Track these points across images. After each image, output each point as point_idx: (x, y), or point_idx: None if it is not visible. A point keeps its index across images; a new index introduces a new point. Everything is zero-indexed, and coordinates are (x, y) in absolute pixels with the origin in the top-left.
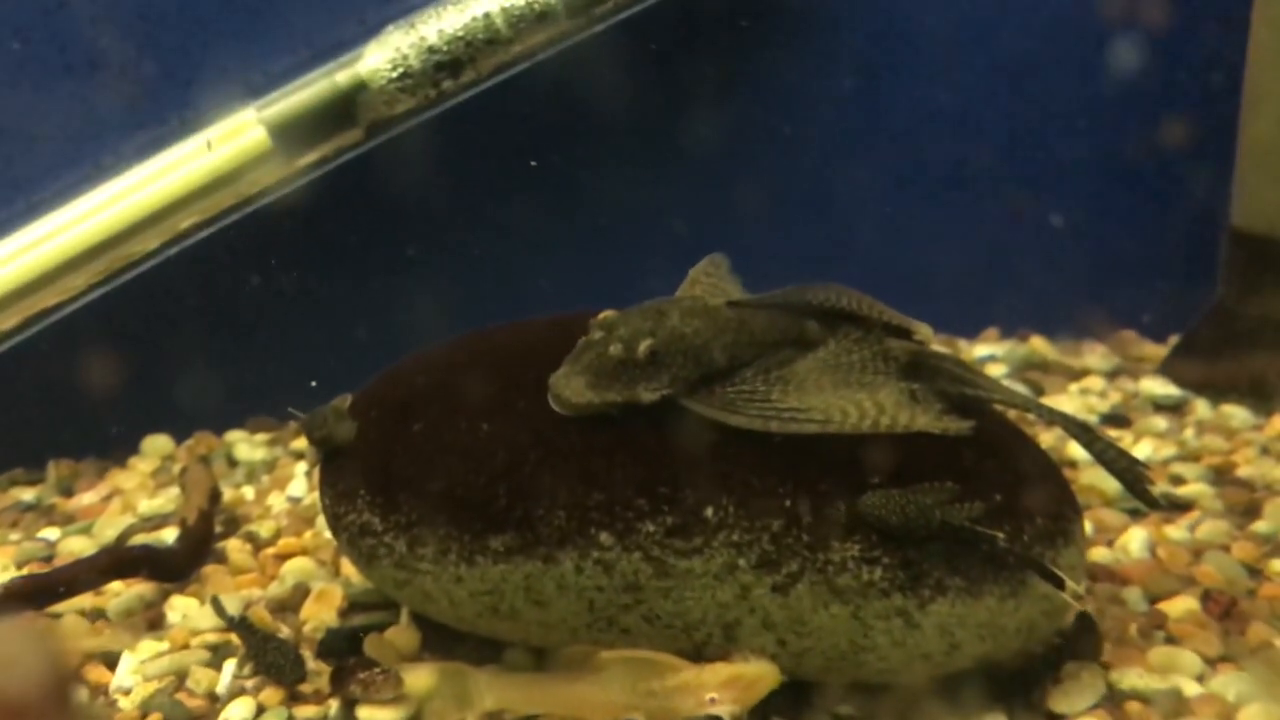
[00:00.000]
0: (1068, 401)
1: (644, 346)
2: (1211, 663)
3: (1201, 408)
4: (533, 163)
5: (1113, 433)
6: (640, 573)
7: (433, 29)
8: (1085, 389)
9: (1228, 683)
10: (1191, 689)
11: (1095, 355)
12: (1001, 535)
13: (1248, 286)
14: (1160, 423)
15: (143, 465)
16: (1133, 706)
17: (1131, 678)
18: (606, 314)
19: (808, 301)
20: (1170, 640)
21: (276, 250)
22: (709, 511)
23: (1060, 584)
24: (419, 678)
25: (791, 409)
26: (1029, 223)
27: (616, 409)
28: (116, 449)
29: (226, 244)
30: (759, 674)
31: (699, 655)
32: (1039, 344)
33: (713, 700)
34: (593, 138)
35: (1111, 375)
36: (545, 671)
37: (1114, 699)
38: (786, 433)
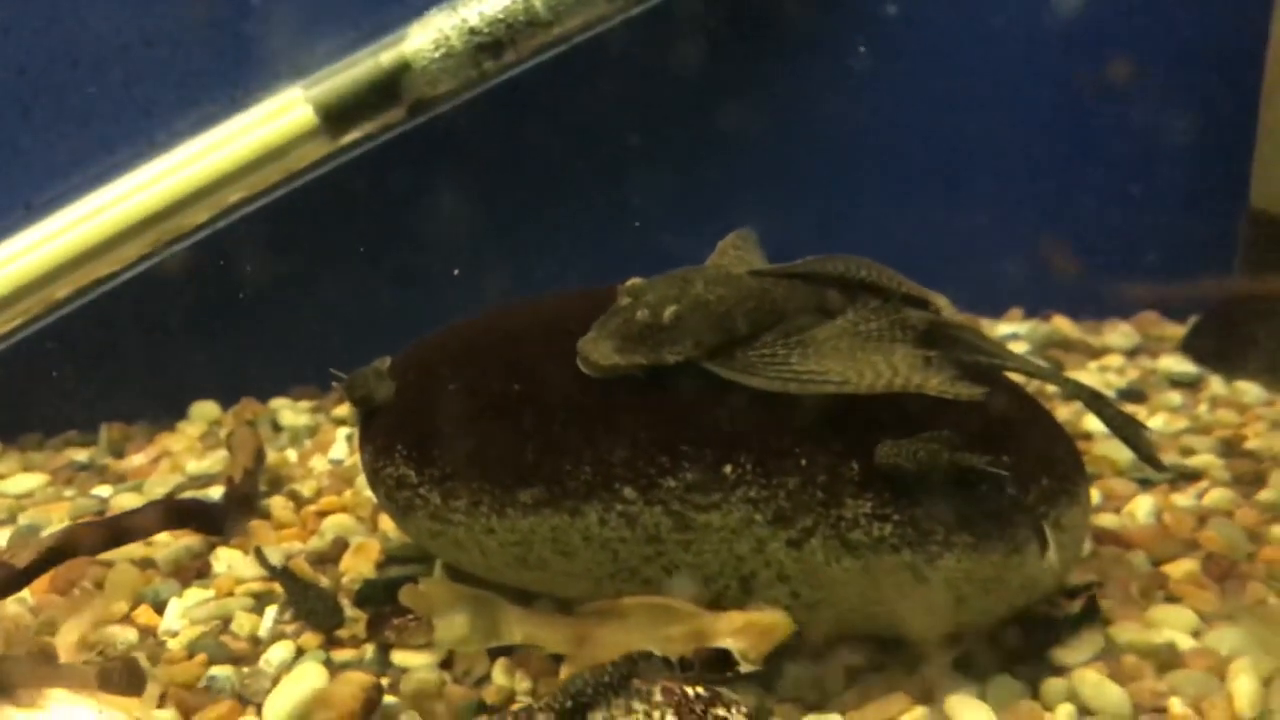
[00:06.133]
0: (1086, 377)
1: (669, 312)
2: (1208, 620)
3: (1216, 384)
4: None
5: (1128, 407)
6: (661, 526)
7: (474, 11)
8: (1104, 366)
9: (1221, 637)
10: (1186, 643)
11: (1116, 334)
12: (1007, 473)
13: (1265, 266)
14: (1175, 398)
15: (191, 429)
16: (1129, 659)
17: (1129, 632)
18: (634, 281)
19: (828, 271)
20: (1170, 599)
21: (320, 221)
22: (728, 469)
23: (1045, 546)
24: (450, 625)
25: (810, 372)
26: (1054, 206)
27: (642, 371)
28: (166, 414)
29: (272, 217)
30: (773, 623)
31: (717, 605)
32: (1061, 323)
33: (727, 646)
34: (627, 112)
35: (1131, 353)
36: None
37: (1112, 652)
38: (804, 394)
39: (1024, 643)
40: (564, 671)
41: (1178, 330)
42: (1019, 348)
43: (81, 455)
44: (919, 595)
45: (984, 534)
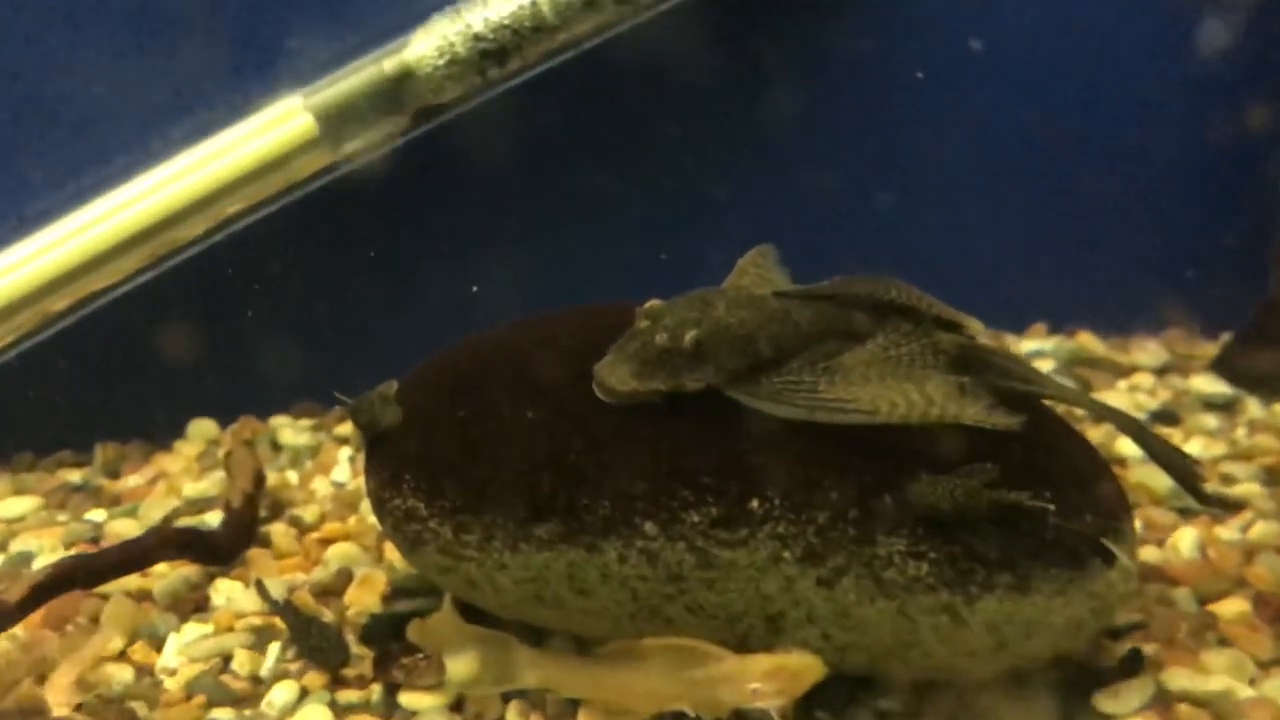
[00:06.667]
0: (1116, 398)
1: (689, 336)
2: (1264, 666)
3: (1253, 406)
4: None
5: (1162, 431)
6: (684, 563)
7: (479, 16)
8: (1134, 386)
9: None
10: (1243, 692)
11: (1144, 352)
12: (1052, 507)
13: None
14: (1210, 421)
15: (188, 449)
16: (1183, 709)
17: (1182, 679)
18: (653, 303)
19: (855, 293)
20: (1222, 642)
21: (323, 237)
22: (754, 503)
23: (1111, 558)
24: (461, 664)
25: (838, 400)
26: (1081, 217)
27: (661, 398)
28: (162, 433)
29: (273, 229)
30: (803, 666)
31: (742, 646)
32: (1087, 339)
33: (756, 691)
34: (641, 125)
35: (1161, 372)
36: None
37: (1164, 700)
38: (833, 424)
39: (1068, 689)
40: (582, 717)
41: (1208, 348)
42: (1044, 365)
43: (75, 476)
44: (958, 638)
45: (1026, 574)
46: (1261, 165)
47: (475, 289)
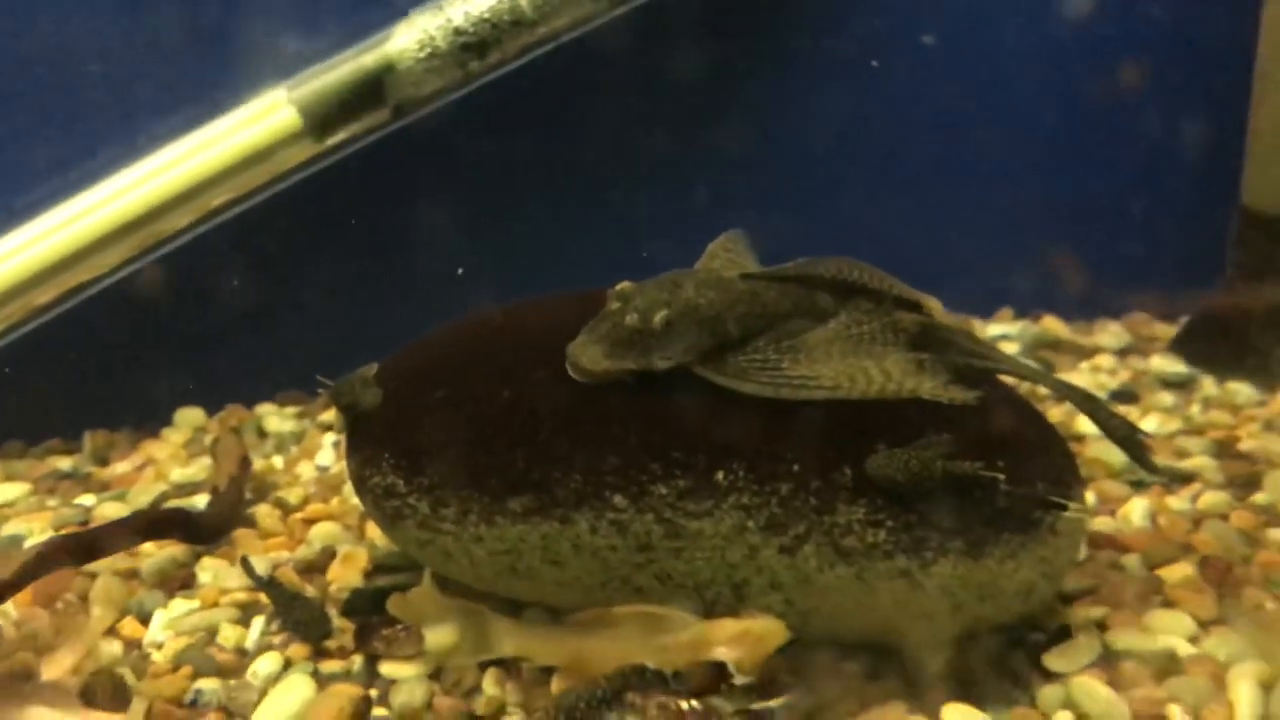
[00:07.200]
0: (1078, 378)
1: (659, 317)
2: (1205, 625)
3: (1208, 385)
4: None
5: (1121, 408)
6: (653, 533)
7: (459, 11)
8: (1096, 366)
9: (1220, 644)
10: (1185, 649)
11: (1107, 334)
12: (1003, 477)
13: (1257, 266)
14: (1167, 398)
15: (175, 436)
16: (1127, 666)
17: (1126, 639)
18: (623, 285)
19: (819, 274)
20: (1167, 604)
21: (306, 226)
22: (719, 475)
23: (1063, 507)
24: (440, 635)
25: (802, 377)
26: (1043, 204)
27: (632, 377)
28: (150, 421)
29: (256, 220)
30: (766, 630)
31: (709, 613)
32: (1052, 323)
33: (722, 655)
34: (616, 115)
35: (1122, 353)
36: (561, 625)
37: (1109, 659)
38: (796, 400)
39: (1020, 649)
40: (555, 683)
41: (1168, 330)
42: (1010, 348)
43: (65, 463)
44: (914, 602)
45: (979, 540)
46: (1219, 154)
47: (460, 271)
